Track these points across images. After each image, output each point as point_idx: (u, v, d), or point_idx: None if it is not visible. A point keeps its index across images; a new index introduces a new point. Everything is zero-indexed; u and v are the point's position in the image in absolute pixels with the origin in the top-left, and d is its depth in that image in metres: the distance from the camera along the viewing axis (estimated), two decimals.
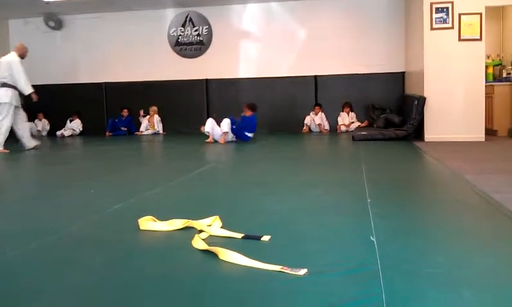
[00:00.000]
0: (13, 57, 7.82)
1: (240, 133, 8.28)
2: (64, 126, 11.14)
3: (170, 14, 10.96)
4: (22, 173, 5.52)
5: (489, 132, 8.08)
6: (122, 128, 10.84)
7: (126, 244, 2.51)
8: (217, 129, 8.21)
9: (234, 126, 8.28)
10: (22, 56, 7.89)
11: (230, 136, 8.24)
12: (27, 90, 7.83)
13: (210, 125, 8.24)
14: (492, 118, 8.36)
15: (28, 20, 11.44)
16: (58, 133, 10.95)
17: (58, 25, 11.28)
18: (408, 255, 2.18)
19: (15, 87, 7.75)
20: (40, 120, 11.37)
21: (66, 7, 10.48)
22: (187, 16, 10.88)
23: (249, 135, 8.34)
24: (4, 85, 7.69)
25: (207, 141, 8.20)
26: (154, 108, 10.82)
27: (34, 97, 7.93)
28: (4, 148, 7.68)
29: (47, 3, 9.90)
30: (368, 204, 3.16)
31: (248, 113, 8.40)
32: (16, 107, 7.83)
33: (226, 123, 8.12)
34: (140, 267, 2.13)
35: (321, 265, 2.05)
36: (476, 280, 1.93)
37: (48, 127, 11.43)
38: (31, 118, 11.23)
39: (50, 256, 2.34)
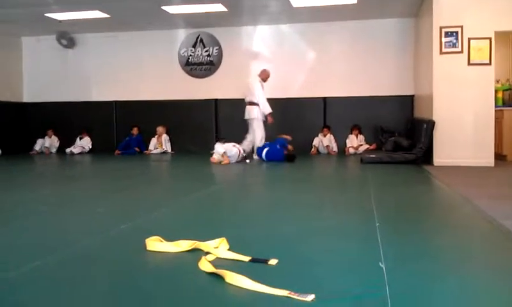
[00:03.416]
0: (254, 79, 9.07)
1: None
2: (73, 144, 11.19)
3: (181, 34, 11.06)
4: (28, 190, 5.54)
5: (499, 157, 8.03)
6: (136, 149, 10.84)
7: (132, 264, 2.50)
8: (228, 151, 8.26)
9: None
10: (264, 79, 9.03)
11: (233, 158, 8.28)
12: (265, 110, 8.87)
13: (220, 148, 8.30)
14: (502, 142, 8.31)
15: (41, 37, 11.59)
16: (67, 150, 10.99)
17: (70, 44, 11.41)
18: (417, 282, 2.15)
19: (258, 105, 8.87)
20: (50, 137, 11.42)
21: (78, 26, 10.60)
22: (197, 37, 10.98)
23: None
24: (251, 103, 8.87)
25: (223, 162, 8.18)
26: (161, 128, 10.86)
27: (270, 119, 8.93)
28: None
29: (60, 22, 10.03)
30: (377, 228, 3.14)
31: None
32: (262, 121, 8.97)
33: (219, 146, 8.31)
34: (146, 289, 2.12)
35: (329, 290, 2.04)
36: None
37: (57, 144, 11.47)
38: (41, 135, 11.36)
39: (53, 274, 2.34)
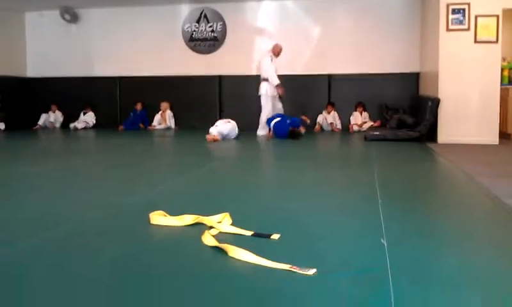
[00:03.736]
0: (265, 54, 9.21)
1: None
2: (77, 119, 11.20)
3: (185, 10, 10.97)
4: (32, 164, 5.56)
5: (503, 136, 8.00)
6: (141, 126, 10.86)
7: (136, 238, 2.53)
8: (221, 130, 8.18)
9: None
10: (275, 54, 9.09)
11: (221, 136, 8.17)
12: (273, 82, 8.89)
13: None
14: (506, 121, 8.27)
15: (44, 12, 11.52)
16: (71, 125, 11.01)
17: (74, 19, 11.34)
18: (418, 258, 2.17)
19: (267, 80, 8.97)
20: (54, 112, 11.43)
21: (82, 1, 10.53)
22: (201, 12, 10.89)
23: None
24: (263, 80, 8.99)
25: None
26: (165, 104, 10.84)
27: (280, 91, 8.95)
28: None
29: None
30: (380, 205, 3.14)
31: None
32: (273, 97, 9.03)
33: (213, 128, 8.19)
34: (149, 262, 2.14)
35: (330, 265, 2.05)
36: (485, 284, 1.91)
37: (61, 119, 11.48)
38: (45, 109, 11.37)
39: (58, 248, 2.37)
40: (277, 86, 8.93)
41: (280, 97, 9.12)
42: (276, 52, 9.11)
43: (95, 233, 2.63)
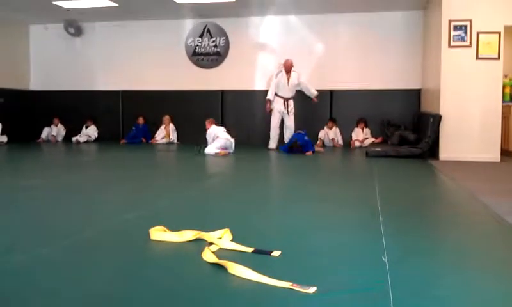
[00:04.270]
0: (276, 69, 9.45)
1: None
2: (79, 132, 11.22)
3: (188, 24, 11.03)
4: (32, 178, 5.57)
5: (505, 153, 7.98)
6: (143, 140, 10.88)
7: (136, 253, 2.52)
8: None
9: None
10: (286, 69, 9.22)
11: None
12: (268, 96, 9.19)
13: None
14: (508, 138, 8.26)
15: (48, 26, 11.59)
16: (73, 139, 11.02)
17: (78, 32, 11.41)
18: (419, 277, 2.15)
19: (278, 95, 9.24)
20: (56, 125, 11.45)
21: (86, 15, 10.60)
22: (205, 27, 10.94)
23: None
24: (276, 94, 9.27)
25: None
26: (168, 117, 10.84)
27: (267, 106, 9.22)
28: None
29: (68, 10, 10.03)
30: (381, 223, 3.13)
31: None
32: (280, 112, 9.25)
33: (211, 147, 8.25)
34: (149, 278, 2.13)
35: (331, 283, 2.04)
36: (487, 304, 1.90)
37: (63, 132, 11.49)
38: (48, 123, 11.39)
39: (57, 262, 2.35)
40: (267, 100, 9.13)
41: (288, 113, 9.25)
42: (286, 67, 9.24)
43: (93, 248, 2.62)
